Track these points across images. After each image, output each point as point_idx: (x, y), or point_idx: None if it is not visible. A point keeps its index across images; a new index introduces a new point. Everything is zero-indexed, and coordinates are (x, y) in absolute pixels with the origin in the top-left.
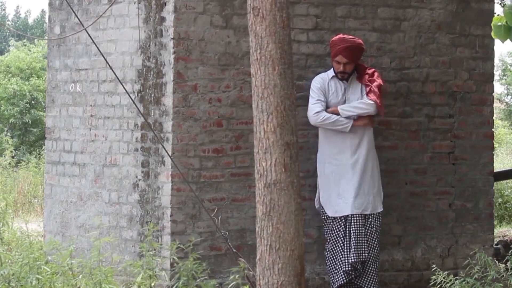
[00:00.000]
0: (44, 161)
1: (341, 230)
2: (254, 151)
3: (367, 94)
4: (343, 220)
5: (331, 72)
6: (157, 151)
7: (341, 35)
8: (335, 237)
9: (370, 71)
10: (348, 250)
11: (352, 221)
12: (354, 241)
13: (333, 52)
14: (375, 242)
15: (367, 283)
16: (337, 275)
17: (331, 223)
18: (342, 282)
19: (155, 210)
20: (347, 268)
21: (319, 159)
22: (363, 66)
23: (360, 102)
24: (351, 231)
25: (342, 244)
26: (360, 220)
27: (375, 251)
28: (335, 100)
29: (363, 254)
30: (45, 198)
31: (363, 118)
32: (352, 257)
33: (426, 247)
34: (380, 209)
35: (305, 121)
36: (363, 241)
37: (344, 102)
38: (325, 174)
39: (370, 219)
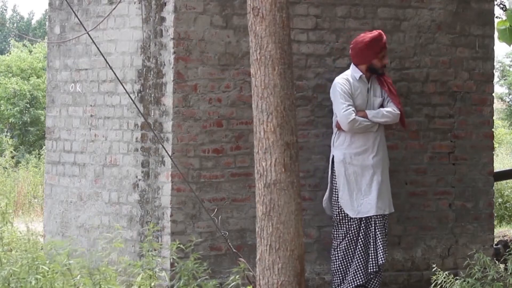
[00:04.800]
0: (44, 161)
1: (361, 230)
2: (254, 151)
3: (395, 103)
4: (363, 221)
5: (355, 73)
6: (157, 151)
7: (375, 32)
8: (351, 237)
9: (386, 77)
10: (374, 251)
11: (377, 221)
12: (380, 242)
13: (379, 47)
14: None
15: (373, 284)
16: (356, 275)
17: (347, 223)
18: (361, 282)
19: (155, 210)
20: (374, 270)
21: (338, 160)
22: None
23: (389, 111)
24: (377, 232)
25: (363, 245)
26: (382, 221)
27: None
28: (361, 101)
29: (386, 253)
30: (45, 198)
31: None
32: (382, 258)
33: (426, 247)
34: (392, 209)
35: (305, 121)
36: (386, 241)
37: (367, 102)
38: (345, 175)
39: (386, 220)
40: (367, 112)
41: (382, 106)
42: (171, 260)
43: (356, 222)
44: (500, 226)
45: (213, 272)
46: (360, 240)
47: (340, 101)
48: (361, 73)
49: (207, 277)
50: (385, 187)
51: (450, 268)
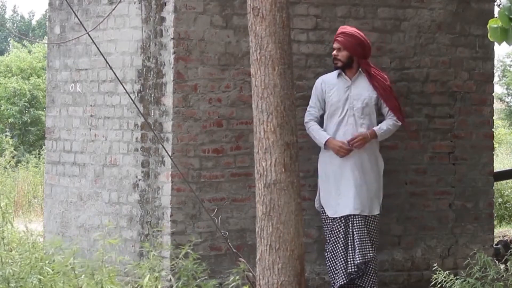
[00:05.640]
0: (44, 161)
1: (341, 230)
2: (254, 151)
3: (393, 112)
4: (343, 221)
5: (336, 70)
6: (157, 151)
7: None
8: (335, 237)
9: (385, 80)
10: (352, 251)
11: (354, 221)
12: (358, 242)
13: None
14: (375, 244)
15: (368, 283)
16: (338, 276)
17: (331, 223)
18: (343, 282)
19: (155, 210)
20: (352, 270)
21: (320, 159)
22: (373, 67)
23: (394, 125)
24: (354, 232)
25: (343, 245)
26: (362, 221)
27: (375, 252)
28: (336, 98)
29: (368, 254)
30: (45, 198)
31: (338, 149)
32: (358, 258)
33: (426, 247)
34: (376, 211)
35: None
36: (366, 241)
37: (347, 99)
38: (325, 174)
39: (368, 221)
40: (376, 130)
41: (377, 105)
42: (171, 260)
43: (337, 222)
44: (500, 226)
45: (213, 272)
46: (340, 240)
47: (310, 102)
48: (340, 70)
49: (206, 277)
50: (368, 189)
51: (450, 268)
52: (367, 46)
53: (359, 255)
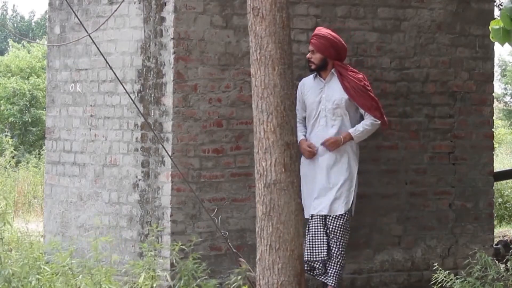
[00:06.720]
0: (44, 161)
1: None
2: (254, 151)
3: (370, 112)
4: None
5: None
6: (157, 151)
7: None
8: None
9: (359, 80)
10: (304, 249)
11: (312, 221)
12: (309, 241)
13: None
14: (337, 243)
15: (330, 281)
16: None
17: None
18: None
19: (155, 210)
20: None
21: (300, 162)
22: (349, 68)
23: (372, 124)
24: (310, 231)
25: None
26: (318, 221)
27: (337, 251)
28: (311, 100)
29: (321, 254)
30: (45, 198)
31: (303, 151)
32: (306, 256)
33: (426, 247)
34: (339, 212)
35: None
36: (319, 241)
37: (320, 101)
38: (301, 176)
39: (330, 221)
40: (352, 133)
41: (355, 107)
42: (172, 260)
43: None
44: (500, 226)
45: (213, 272)
46: None
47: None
48: (316, 73)
49: (206, 277)
50: (331, 189)
51: (450, 268)
52: (341, 48)
53: (308, 253)
